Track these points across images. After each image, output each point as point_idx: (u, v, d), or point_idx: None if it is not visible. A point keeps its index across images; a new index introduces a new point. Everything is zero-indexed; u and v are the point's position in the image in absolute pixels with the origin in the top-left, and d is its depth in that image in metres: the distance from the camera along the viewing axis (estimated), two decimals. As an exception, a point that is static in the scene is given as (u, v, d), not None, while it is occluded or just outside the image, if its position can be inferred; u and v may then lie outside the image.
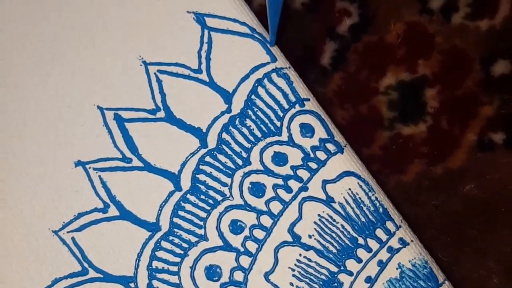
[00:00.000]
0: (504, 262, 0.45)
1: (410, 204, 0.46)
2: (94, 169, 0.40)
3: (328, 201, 0.40)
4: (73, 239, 0.39)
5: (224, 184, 0.40)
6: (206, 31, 0.41)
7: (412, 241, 0.40)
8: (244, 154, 0.40)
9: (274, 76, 0.41)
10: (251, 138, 0.40)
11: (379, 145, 0.46)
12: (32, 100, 0.40)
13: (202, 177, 0.40)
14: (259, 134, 0.40)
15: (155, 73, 0.40)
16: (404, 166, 0.46)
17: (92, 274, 0.39)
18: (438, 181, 0.46)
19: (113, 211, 0.39)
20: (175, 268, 0.39)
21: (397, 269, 0.39)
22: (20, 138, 0.40)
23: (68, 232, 0.39)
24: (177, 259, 0.39)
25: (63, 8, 0.41)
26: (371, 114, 0.46)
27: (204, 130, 0.40)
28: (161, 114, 0.40)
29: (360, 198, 0.40)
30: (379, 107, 0.46)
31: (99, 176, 0.39)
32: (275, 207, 0.40)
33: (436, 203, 0.46)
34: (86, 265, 0.39)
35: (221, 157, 0.40)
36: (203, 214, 0.40)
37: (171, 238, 0.39)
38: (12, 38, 0.41)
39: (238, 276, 0.39)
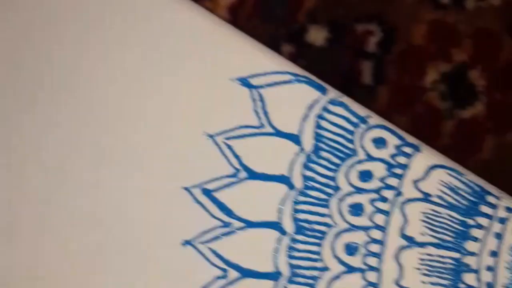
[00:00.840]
0: None
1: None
2: (201, 242, 0.41)
3: (426, 198, 0.41)
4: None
5: (324, 215, 0.41)
6: (254, 91, 0.43)
7: (517, 205, 0.40)
8: (331, 183, 0.41)
9: (330, 107, 0.43)
10: (332, 166, 0.42)
11: (447, 135, 0.47)
12: (123, 193, 0.42)
13: (301, 216, 0.41)
14: (337, 161, 0.42)
15: (223, 141, 0.43)
16: (478, 144, 0.47)
17: None
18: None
19: (232, 274, 0.40)
20: (309, 307, 0.40)
21: (515, 234, 0.40)
22: (120, 222, 0.41)
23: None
24: (308, 298, 0.40)
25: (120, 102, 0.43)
26: (428, 110, 0.48)
27: (286, 175, 0.42)
28: (243, 174, 0.42)
29: (454, 185, 0.41)
30: (433, 102, 0.48)
31: (209, 248, 0.41)
32: (379, 219, 0.41)
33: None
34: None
35: (311, 193, 0.41)
36: (316, 248, 0.40)
37: (295, 279, 0.40)
38: (75, 125, 0.43)
39: (372, 291, 0.40)
